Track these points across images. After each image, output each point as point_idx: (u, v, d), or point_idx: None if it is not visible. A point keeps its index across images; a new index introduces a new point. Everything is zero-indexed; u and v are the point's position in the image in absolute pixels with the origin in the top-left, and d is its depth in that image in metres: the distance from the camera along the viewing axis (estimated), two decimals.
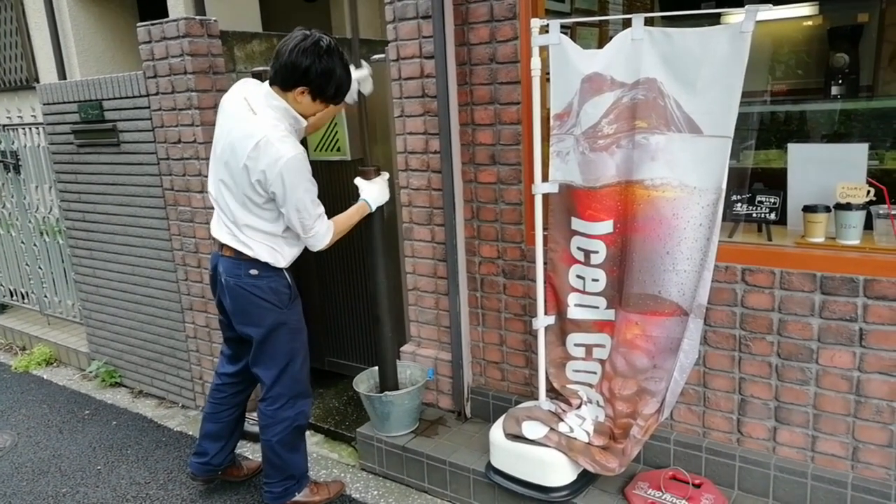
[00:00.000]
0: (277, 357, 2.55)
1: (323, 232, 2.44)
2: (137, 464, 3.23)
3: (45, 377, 4.35)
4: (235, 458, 2.99)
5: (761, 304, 2.29)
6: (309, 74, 2.29)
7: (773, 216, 2.38)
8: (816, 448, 2.29)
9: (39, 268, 4.73)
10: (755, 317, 2.31)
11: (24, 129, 4.43)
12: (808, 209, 2.30)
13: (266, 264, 2.45)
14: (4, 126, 4.56)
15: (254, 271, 2.46)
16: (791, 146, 2.49)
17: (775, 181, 2.50)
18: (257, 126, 2.29)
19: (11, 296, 5.14)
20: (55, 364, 4.55)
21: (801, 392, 2.28)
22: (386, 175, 2.68)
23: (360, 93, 2.61)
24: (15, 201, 4.73)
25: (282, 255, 2.47)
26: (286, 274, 2.52)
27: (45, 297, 4.78)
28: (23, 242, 4.81)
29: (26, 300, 5.00)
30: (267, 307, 2.48)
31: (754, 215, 2.41)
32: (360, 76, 2.58)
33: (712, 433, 2.48)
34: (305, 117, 2.44)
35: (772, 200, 2.38)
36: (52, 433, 3.59)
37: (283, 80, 2.32)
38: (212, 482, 2.96)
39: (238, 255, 2.45)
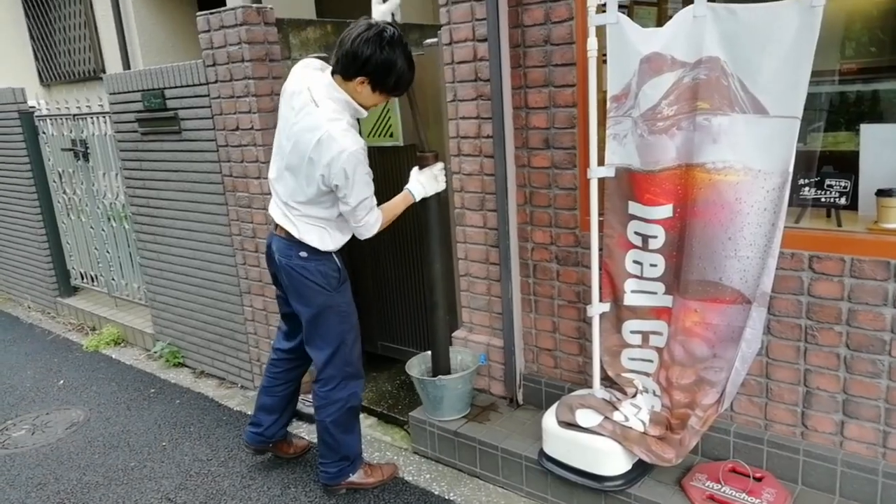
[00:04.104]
0: (328, 339, 2.59)
1: (372, 222, 2.48)
2: (200, 441, 3.35)
3: (113, 356, 4.55)
4: (288, 434, 3.07)
5: (830, 293, 2.19)
6: (369, 64, 2.29)
7: (843, 201, 2.27)
8: (888, 444, 2.19)
9: (107, 252, 4.93)
10: (823, 306, 2.21)
11: (92, 118, 4.61)
12: (882, 193, 2.18)
13: (315, 248, 2.49)
14: (75, 116, 4.76)
15: (303, 254, 2.51)
16: (864, 127, 2.36)
17: (846, 164, 2.38)
18: (319, 120, 2.31)
19: (82, 278, 5.39)
20: (123, 344, 4.75)
21: (871, 385, 2.18)
22: (440, 165, 2.66)
23: (394, 20, 2.49)
24: (84, 188, 4.94)
25: (331, 239, 2.51)
26: (335, 258, 2.56)
27: (113, 279, 4.99)
28: (92, 227, 5.02)
29: (96, 283, 5.24)
30: (316, 289, 2.53)
31: (823, 200, 2.30)
32: (393, 7, 2.49)
33: (775, 426, 2.39)
34: (367, 108, 2.46)
35: (842, 184, 2.27)
36: (121, 410, 3.76)
37: (345, 68, 2.33)
38: (263, 453, 3.06)
39: (289, 237, 2.52)
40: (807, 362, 2.29)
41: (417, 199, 2.61)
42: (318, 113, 2.32)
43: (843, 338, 2.20)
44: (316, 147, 2.30)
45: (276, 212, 2.57)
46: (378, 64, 2.29)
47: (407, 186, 2.61)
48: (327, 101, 2.35)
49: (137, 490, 2.97)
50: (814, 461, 2.29)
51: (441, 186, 2.65)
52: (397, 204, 2.60)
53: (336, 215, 2.48)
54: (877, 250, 2.11)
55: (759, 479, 2.31)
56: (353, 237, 2.60)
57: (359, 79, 2.33)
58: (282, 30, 3.40)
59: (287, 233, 2.52)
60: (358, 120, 2.64)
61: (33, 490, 3.04)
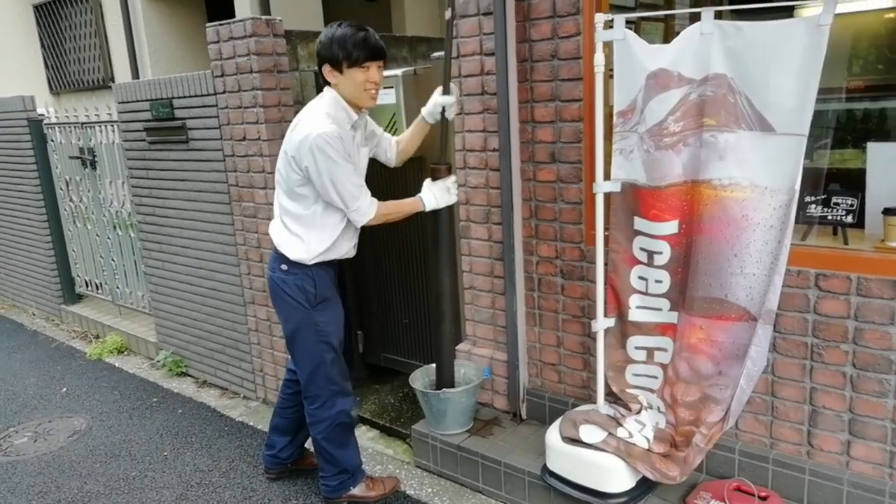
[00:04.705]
0: (306, 357, 2.59)
1: (365, 207, 2.48)
2: (201, 451, 3.33)
3: (116, 365, 4.55)
4: (306, 450, 3.04)
5: (836, 311, 2.18)
6: (320, 53, 2.43)
7: (850, 219, 2.26)
8: (895, 465, 2.17)
9: (112, 260, 4.95)
10: (829, 324, 2.20)
11: (100, 126, 4.63)
12: (889, 211, 2.18)
13: (294, 262, 2.50)
14: (83, 124, 4.79)
15: (284, 266, 2.53)
16: (871, 145, 2.36)
17: (852, 182, 2.38)
18: (302, 113, 2.45)
19: (87, 286, 5.39)
20: (126, 352, 4.75)
21: (878, 405, 2.16)
22: (453, 178, 2.66)
23: (444, 116, 2.63)
24: (91, 196, 4.96)
25: (305, 247, 2.49)
26: (313, 273, 2.53)
27: (117, 288, 5.00)
28: (97, 235, 5.03)
29: (100, 290, 5.24)
30: (293, 305, 2.54)
31: (829, 217, 2.30)
32: (448, 102, 2.61)
33: (780, 444, 2.38)
34: (356, 98, 2.44)
35: (849, 202, 2.27)
36: (123, 418, 3.75)
37: (321, 73, 2.47)
38: (284, 474, 3.02)
39: (275, 249, 2.56)
40: (813, 380, 2.27)
41: (427, 208, 2.61)
42: (305, 108, 2.47)
43: (850, 356, 2.19)
44: (291, 133, 2.42)
45: (272, 222, 2.61)
46: (322, 45, 2.41)
47: (419, 195, 2.62)
48: (318, 99, 2.48)
49: (138, 500, 2.95)
50: (820, 481, 2.27)
51: (453, 199, 2.65)
52: (404, 204, 2.61)
53: (319, 215, 2.47)
54: (884, 269, 2.10)
55: (764, 499, 2.29)
56: (359, 249, 2.60)
57: (325, 70, 2.43)
58: (290, 41, 3.42)
59: (274, 244, 2.56)
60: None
61: (34, 498, 3.03)
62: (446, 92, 2.61)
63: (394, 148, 2.75)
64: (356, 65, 2.39)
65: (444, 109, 2.61)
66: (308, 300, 2.54)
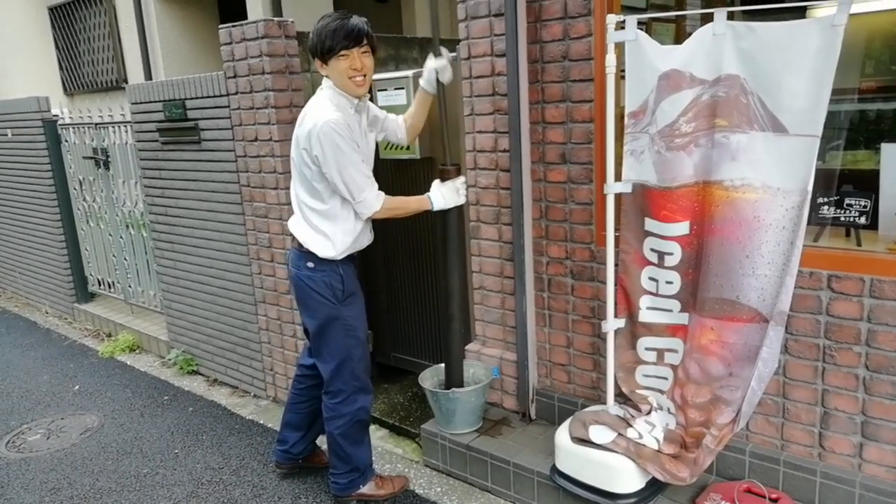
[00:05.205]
0: (334, 352, 2.60)
1: (371, 199, 2.49)
2: (212, 449, 3.36)
3: (128, 363, 4.59)
4: (317, 447, 3.05)
5: (848, 313, 2.17)
6: (308, 48, 2.51)
7: (863, 220, 2.25)
8: None
9: (125, 259, 4.99)
10: (841, 326, 2.19)
11: (113, 127, 4.68)
12: None
13: (322, 258, 2.52)
14: (97, 124, 4.83)
15: (311, 264, 2.54)
16: (885, 146, 2.35)
17: (866, 183, 2.36)
18: (307, 106, 2.49)
19: (99, 285, 5.44)
20: (137, 351, 4.79)
21: (891, 407, 2.15)
22: (462, 178, 2.67)
23: (438, 81, 2.63)
24: (104, 196, 5.00)
25: (332, 244, 2.52)
26: (341, 269, 2.56)
27: (130, 286, 5.04)
28: (110, 235, 5.08)
29: (112, 289, 5.28)
30: (321, 301, 2.55)
31: (842, 219, 2.29)
32: (439, 65, 2.60)
33: (791, 446, 2.36)
34: (346, 85, 2.44)
35: (862, 203, 2.25)
36: (135, 416, 3.78)
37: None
38: (295, 470, 3.03)
39: (299, 247, 2.57)
40: (825, 382, 2.26)
41: (435, 208, 2.62)
42: (310, 101, 2.51)
43: (863, 358, 2.17)
44: (298, 129, 2.46)
45: (292, 219, 2.62)
46: (309, 42, 2.47)
47: (427, 193, 2.63)
48: (320, 91, 2.51)
49: (149, 497, 2.98)
50: (831, 483, 2.26)
51: (461, 200, 2.66)
52: (410, 201, 2.62)
53: (338, 208, 2.49)
54: None
55: (774, 501, 2.27)
56: (369, 248, 2.60)
57: (316, 65, 2.48)
58: (302, 43, 3.43)
59: (298, 242, 2.57)
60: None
61: (47, 494, 3.06)
62: (437, 55, 2.60)
63: (402, 126, 2.77)
64: (333, 54, 2.41)
65: (437, 73, 2.61)
66: (336, 296, 2.56)
